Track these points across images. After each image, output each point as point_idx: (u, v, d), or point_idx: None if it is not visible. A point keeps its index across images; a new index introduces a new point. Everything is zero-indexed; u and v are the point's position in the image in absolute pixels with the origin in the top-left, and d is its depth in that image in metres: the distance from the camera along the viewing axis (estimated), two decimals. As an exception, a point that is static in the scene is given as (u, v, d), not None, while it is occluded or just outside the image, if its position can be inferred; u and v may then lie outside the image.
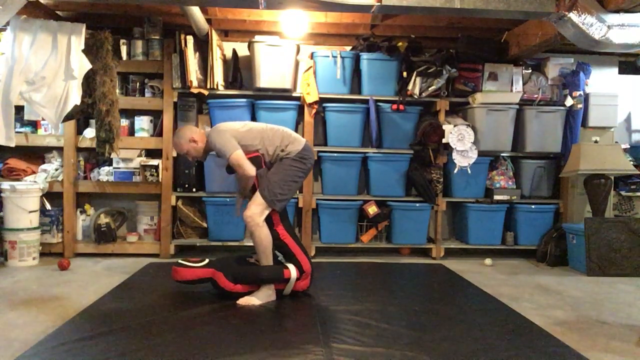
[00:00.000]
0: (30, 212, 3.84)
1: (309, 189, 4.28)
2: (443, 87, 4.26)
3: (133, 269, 3.65)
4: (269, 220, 2.88)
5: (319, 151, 4.25)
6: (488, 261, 4.17)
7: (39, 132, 4.19)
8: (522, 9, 3.09)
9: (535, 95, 4.38)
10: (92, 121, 4.00)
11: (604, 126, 4.55)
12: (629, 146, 4.69)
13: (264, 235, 2.84)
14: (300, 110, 4.29)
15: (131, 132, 4.24)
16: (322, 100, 4.26)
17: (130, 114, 4.25)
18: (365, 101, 4.27)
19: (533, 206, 4.39)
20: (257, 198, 2.84)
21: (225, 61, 4.34)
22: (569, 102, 4.33)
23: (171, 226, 4.20)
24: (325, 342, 2.26)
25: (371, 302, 2.95)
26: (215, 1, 3.38)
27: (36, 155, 4.30)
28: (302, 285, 2.98)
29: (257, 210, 2.83)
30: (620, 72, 4.87)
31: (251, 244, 4.21)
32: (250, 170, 2.83)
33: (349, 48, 4.45)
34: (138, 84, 4.24)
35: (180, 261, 2.95)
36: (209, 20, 4.11)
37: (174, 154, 4.15)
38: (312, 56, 4.30)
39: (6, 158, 4.13)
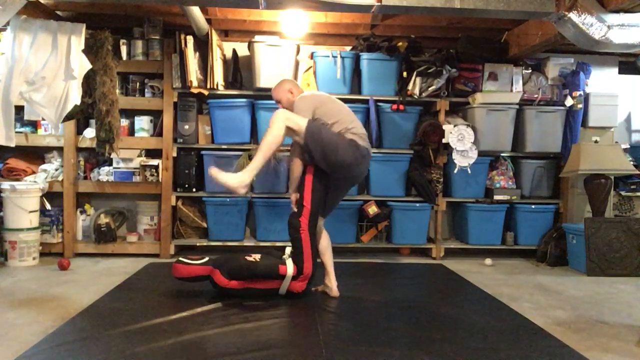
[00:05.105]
0: (30, 212, 3.84)
1: (309, 189, 4.27)
2: (443, 87, 4.26)
3: (133, 269, 3.65)
4: (301, 208, 2.90)
5: (319, 151, 4.24)
6: (488, 261, 4.17)
7: (39, 132, 4.19)
8: (522, 9, 3.08)
9: (535, 95, 4.38)
10: (92, 121, 4.00)
11: (604, 126, 4.54)
12: (629, 146, 4.68)
13: (275, 134, 2.86)
14: (301, 110, 4.28)
15: (131, 132, 4.24)
16: (322, 100, 4.25)
17: (130, 114, 4.24)
18: (365, 101, 4.27)
19: (533, 206, 4.39)
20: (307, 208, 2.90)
21: (225, 61, 4.34)
22: (569, 102, 4.33)
23: (171, 226, 4.20)
24: (325, 342, 2.26)
25: (371, 302, 2.96)
26: (215, 1, 3.38)
27: (36, 155, 4.30)
28: (297, 287, 2.95)
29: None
30: (620, 72, 4.85)
31: (251, 243, 4.25)
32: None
33: (349, 48, 4.44)
34: (138, 84, 4.24)
35: (180, 259, 2.98)
36: (209, 20, 4.11)
37: (174, 154, 4.15)
38: (312, 56, 4.30)
39: (6, 158, 4.13)
